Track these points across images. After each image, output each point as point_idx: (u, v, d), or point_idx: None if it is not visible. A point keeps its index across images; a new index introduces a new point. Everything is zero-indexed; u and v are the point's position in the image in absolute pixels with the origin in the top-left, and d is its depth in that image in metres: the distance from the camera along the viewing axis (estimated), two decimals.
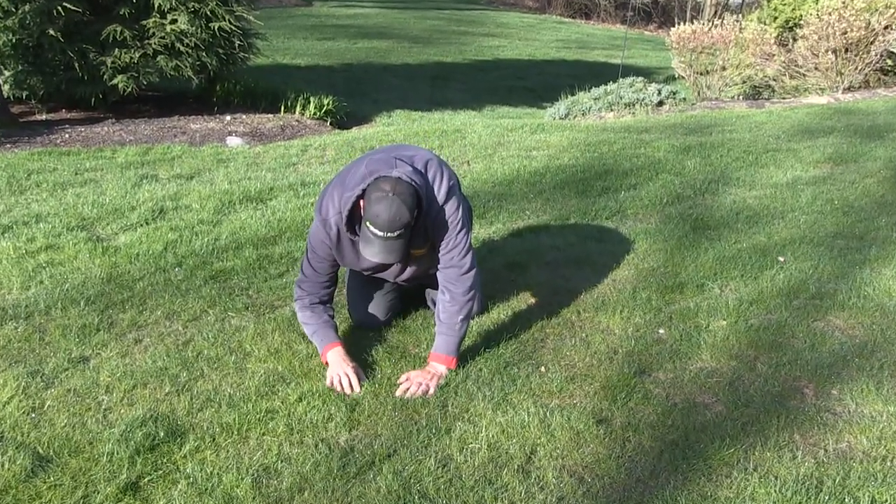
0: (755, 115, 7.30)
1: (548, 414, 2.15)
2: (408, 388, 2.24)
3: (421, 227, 2.24)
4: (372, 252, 2.13)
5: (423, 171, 2.26)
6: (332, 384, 2.27)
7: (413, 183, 2.15)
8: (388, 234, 2.08)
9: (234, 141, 6.00)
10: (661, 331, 2.69)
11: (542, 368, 2.42)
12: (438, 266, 2.35)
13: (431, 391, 2.24)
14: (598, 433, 2.08)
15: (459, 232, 2.29)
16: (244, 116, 6.87)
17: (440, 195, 2.26)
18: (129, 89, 6.25)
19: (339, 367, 2.30)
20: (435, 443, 2.03)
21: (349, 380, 2.27)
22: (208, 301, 2.84)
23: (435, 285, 2.68)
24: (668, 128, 6.65)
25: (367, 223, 2.10)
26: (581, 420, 2.12)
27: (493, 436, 2.05)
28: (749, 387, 2.33)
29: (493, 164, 5.13)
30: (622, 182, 4.61)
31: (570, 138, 6.09)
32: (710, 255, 3.37)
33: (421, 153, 2.35)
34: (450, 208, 2.27)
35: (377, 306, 2.64)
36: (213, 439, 2.01)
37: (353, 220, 2.24)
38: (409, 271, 2.47)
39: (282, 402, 2.18)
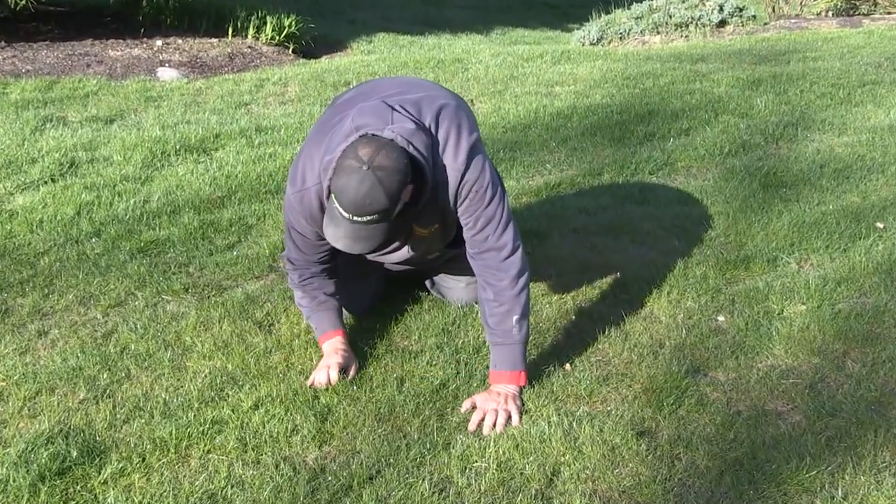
0: (849, 37, 7.24)
1: (574, 424, 2.15)
2: (482, 420, 2.16)
3: (430, 201, 2.18)
4: (333, 235, 2.07)
5: (432, 124, 2.19)
6: (311, 384, 2.28)
7: (409, 148, 2.07)
8: (356, 218, 2.02)
9: (167, 73, 5.95)
10: (721, 318, 2.69)
11: (567, 366, 2.42)
12: (469, 252, 2.30)
13: (516, 419, 2.18)
14: (639, 449, 2.08)
15: (490, 202, 2.22)
16: (180, 41, 6.81)
17: (458, 160, 2.18)
18: (24, 2, 6.16)
19: (325, 360, 2.32)
20: (430, 461, 2.03)
21: (327, 373, 2.27)
22: (136, 281, 2.83)
23: (432, 272, 2.67)
24: (732, 55, 6.59)
25: (333, 195, 2.04)
26: (617, 432, 2.13)
27: (504, 452, 2.06)
28: (836, 391, 2.34)
29: (505, 104, 5.10)
30: (671, 126, 4.59)
31: (604, 70, 6.04)
32: (786, 221, 3.37)
33: (432, 95, 2.27)
34: (472, 174, 2.20)
35: (360, 291, 2.64)
36: (143, 459, 2.01)
37: None
38: (402, 253, 2.43)
39: (232, 411, 2.18)
